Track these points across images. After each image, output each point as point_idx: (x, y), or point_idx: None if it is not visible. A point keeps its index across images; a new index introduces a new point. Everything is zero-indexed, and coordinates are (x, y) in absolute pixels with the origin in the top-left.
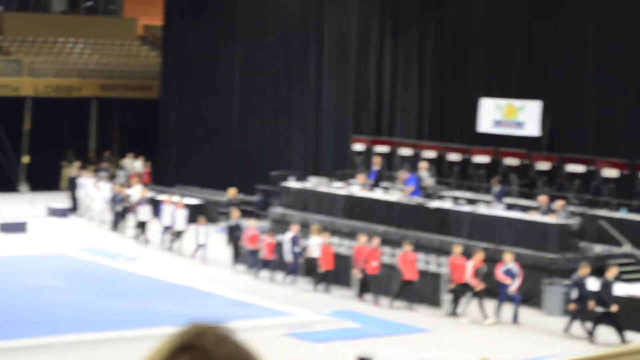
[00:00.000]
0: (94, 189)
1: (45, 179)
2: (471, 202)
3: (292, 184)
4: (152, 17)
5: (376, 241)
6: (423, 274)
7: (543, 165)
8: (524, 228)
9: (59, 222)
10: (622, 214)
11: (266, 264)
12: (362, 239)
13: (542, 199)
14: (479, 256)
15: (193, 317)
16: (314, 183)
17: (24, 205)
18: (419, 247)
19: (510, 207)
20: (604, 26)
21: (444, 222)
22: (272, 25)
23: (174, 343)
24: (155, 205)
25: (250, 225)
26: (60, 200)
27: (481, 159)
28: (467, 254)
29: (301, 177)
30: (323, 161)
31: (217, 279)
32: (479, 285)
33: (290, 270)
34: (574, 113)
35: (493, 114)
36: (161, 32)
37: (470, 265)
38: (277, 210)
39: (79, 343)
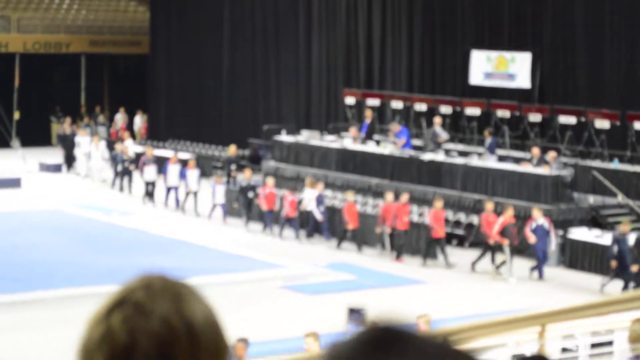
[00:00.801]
0: (93, 148)
1: (36, 134)
2: (463, 154)
3: (284, 137)
4: None
5: (405, 197)
6: (417, 225)
7: (535, 117)
8: (517, 179)
9: (51, 178)
10: (615, 165)
11: (288, 222)
12: (389, 195)
13: (535, 150)
14: (509, 212)
15: (184, 272)
16: (306, 136)
17: (17, 160)
18: (412, 199)
19: (502, 158)
20: None
21: (437, 174)
22: None
23: (112, 299)
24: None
25: (267, 184)
26: (51, 155)
27: (473, 111)
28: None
29: (293, 131)
30: (314, 114)
31: (213, 234)
32: (505, 242)
33: (321, 228)
34: (565, 64)
35: (484, 66)
36: None
37: (499, 222)
38: (269, 163)
39: (72, 297)
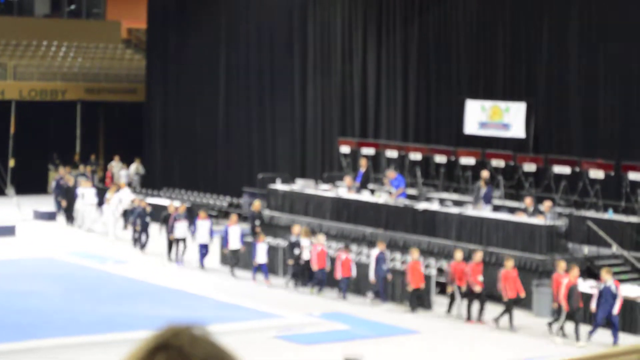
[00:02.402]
0: (106, 203)
1: (31, 182)
2: (458, 203)
3: (279, 186)
4: (136, 20)
5: (479, 255)
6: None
7: (529, 167)
8: (512, 229)
9: (45, 226)
10: (609, 215)
11: (341, 283)
12: (459, 254)
13: (528, 200)
14: (575, 273)
15: (176, 320)
16: (300, 185)
17: (11, 208)
18: (406, 248)
19: (497, 208)
20: (588, 27)
21: (432, 223)
22: (256, 27)
23: (151, 343)
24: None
25: (319, 241)
26: (46, 203)
27: (467, 160)
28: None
29: (288, 180)
30: (309, 163)
31: (210, 283)
32: (567, 308)
33: (376, 290)
34: (559, 114)
35: (479, 116)
36: (145, 35)
37: (564, 283)
38: (264, 212)
39: (67, 346)
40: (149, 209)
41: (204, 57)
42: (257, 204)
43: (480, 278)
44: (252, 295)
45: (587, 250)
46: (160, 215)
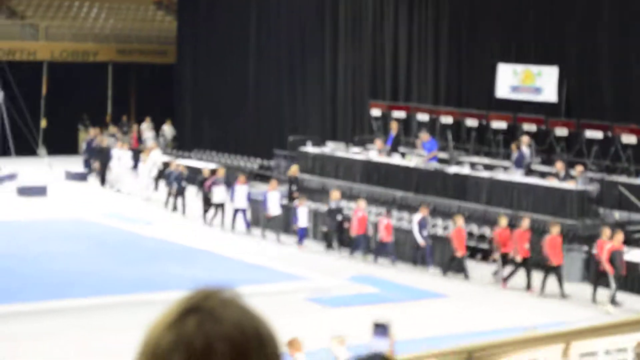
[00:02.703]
0: (141, 163)
1: (62, 143)
2: (489, 167)
3: (310, 148)
4: None
5: (526, 222)
6: (441, 239)
7: (561, 131)
8: (542, 194)
9: (77, 186)
10: None
11: (382, 247)
12: (503, 221)
13: (559, 164)
14: (619, 237)
15: (207, 281)
16: (331, 148)
17: (43, 168)
18: (436, 212)
19: (528, 172)
20: None
21: (462, 187)
22: None
23: (182, 306)
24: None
25: (359, 206)
26: (77, 164)
27: (499, 124)
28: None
29: (318, 142)
30: (340, 126)
31: (237, 245)
32: (612, 271)
33: (422, 254)
34: (591, 79)
35: (510, 80)
36: None
37: (606, 248)
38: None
39: (97, 307)
40: (186, 173)
41: (235, 19)
42: (294, 169)
43: (527, 246)
44: (283, 258)
45: (618, 215)
46: (196, 178)
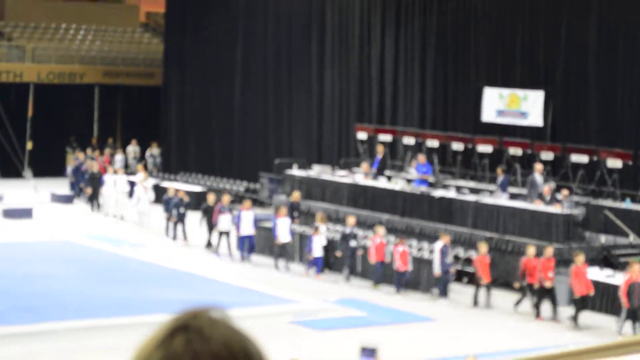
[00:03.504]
0: (141, 190)
1: (48, 165)
2: (475, 191)
3: (296, 172)
4: (154, 4)
5: (549, 251)
6: (427, 262)
7: (547, 155)
8: (528, 218)
9: (62, 208)
10: (627, 204)
11: (399, 276)
12: (531, 250)
13: (546, 189)
14: (636, 269)
15: (194, 303)
16: (317, 171)
17: (28, 191)
18: (422, 235)
19: (514, 196)
20: (607, 15)
21: (448, 211)
22: (274, 11)
23: (170, 325)
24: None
25: (378, 233)
26: (63, 186)
27: (485, 148)
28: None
29: (304, 165)
30: (326, 149)
31: (223, 267)
32: (627, 305)
33: (440, 283)
34: (577, 103)
35: (496, 104)
36: (163, 19)
37: (624, 280)
38: (281, 198)
39: (82, 329)
40: (186, 199)
41: (222, 41)
42: (296, 195)
43: (551, 274)
44: (270, 281)
45: (604, 239)
46: (201, 206)
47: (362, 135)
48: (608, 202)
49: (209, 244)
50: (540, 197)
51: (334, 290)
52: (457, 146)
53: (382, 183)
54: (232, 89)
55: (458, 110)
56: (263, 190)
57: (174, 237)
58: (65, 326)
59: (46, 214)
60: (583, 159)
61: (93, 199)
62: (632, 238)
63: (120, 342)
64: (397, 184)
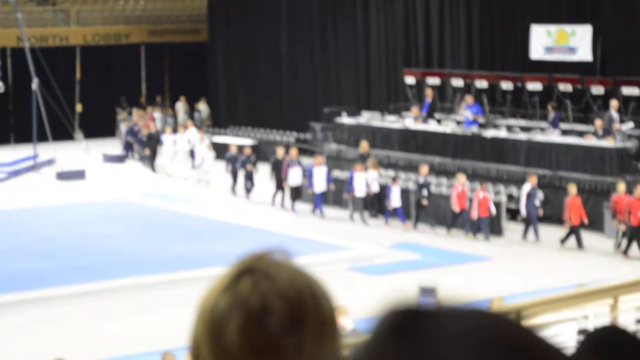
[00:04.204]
0: (204, 149)
1: (99, 126)
2: (526, 129)
3: (345, 119)
4: None
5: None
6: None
7: (597, 90)
8: (581, 153)
9: (115, 168)
10: None
11: (479, 222)
12: (621, 187)
13: (598, 122)
14: None
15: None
16: (366, 118)
17: (80, 152)
18: (475, 176)
19: (565, 132)
20: None
21: (500, 151)
22: None
23: (235, 269)
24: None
25: (459, 181)
26: (114, 146)
27: (534, 86)
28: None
29: (353, 113)
30: (375, 96)
31: (276, 218)
32: None
33: (528, 224)
34: (625, 35)
35: (544, 41)
36: None
37: None
38: (331, 146)
39: (140, 286)
40: (253, 156)
41: None
42: (364, 145)
43: None
44: (323, 230)
45: None
46: (270, 160)
47: (410, 80)
48: None
49: (275, 199)
50: (595, 133)
51: (387, 235)
52: (507, 85)
53: (432, 126)
54: (278, 40)
55: (506, 49)
56: (314, 140)
57: (248, 193)
58: (124, 283)
59: (99, 174)
60: (634, 91)
61: (152, 159)
62: None
63: (181, 296)
64: (448, 127)
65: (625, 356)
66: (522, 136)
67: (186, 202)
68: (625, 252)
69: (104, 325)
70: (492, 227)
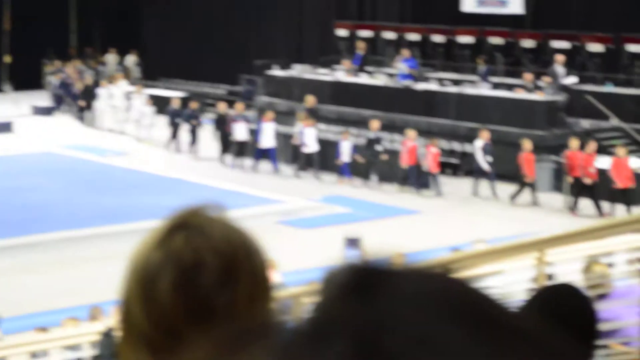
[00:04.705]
0: (141, 102)
1: (27, 77)
2: (457, 82)
3: (277, 72)
4: None
5: (593, 146)
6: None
7: (528, 43)
8: (511, 106)
9: (44, 121)
10: (608, 88)
11: (432, 177)
12: (574, 143)
13: (528, 76)
14: (621, 152)
15: (182, 207)
16: (298, 70)
17: (8, 104)
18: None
19: (496, 86)
20: None
21: (431, 104)
22: None
23: (168, 224)
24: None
25: (409, 136)
26: (43, 99)
27: (465, 39)
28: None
29: (285, 65)
30: (306, 48)
31: (207, 172)
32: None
33: (490, 179)
34: None
35: None
36: None
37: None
38: (262, 99)
39: (70, 239)
40: (198, 110)
41: None
42: (310, 99)
43: (592, 169)
44: (252, 182)
45: (586, 124)
46: (215, 117)
47: (342, 32)
48: (590, 87)
49: (223, 155)
50: (525, 86)
51: (319, 189)
52: (438, 38)
53: (364, 79)
54: None
55: (438, 2)
56: (245, 92)
57: (191, 148)
58: (53, 237)
59: (27, 127)
60: (564, 44)
61: (83, 111)
62: (614, 121)
63: (110, 250)
64: (379, 79)
65: (569, 316)
66: (453, 89)
67: (118, 155)
68: (573, 209)
69: (31, 279)
70: (425, 180)
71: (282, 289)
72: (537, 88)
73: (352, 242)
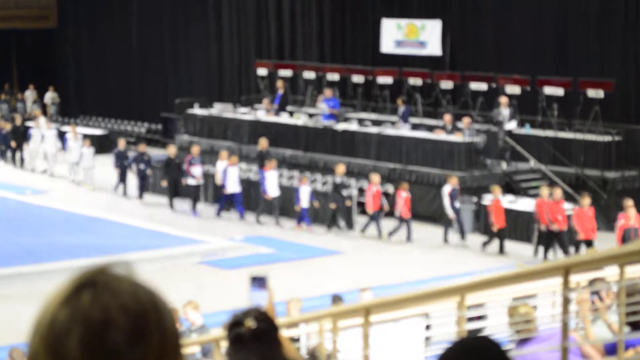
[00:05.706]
0: (80, 144)
1: None
2: (377, 123)
3: (197, 110)
4: None
5: (558, 193)
6: (324, 194)
7: (446, 84)
8: (430, 147)
9: None
10: (526, 130)
11: (404, 223)
12: (545, 191)
13: (447, 117)
14: (631, 213)
15: (102, 248)
16: (219, 109)
17: None
18: (326, 169)
19: (415, 126)
20: None
21: (351, 144)
22: None
23: (75, 282)
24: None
25: (373, 181)
26: None
27: (385, 79)
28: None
29: (205, 104)
30: (227, 87)
31: (126, 210)
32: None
33: (459, 226)
34: (474, 31)
35: (394, 34)
36: None
37: (619, 225)
38: (182, 137)
39: None
40: (148, 155)
41: None
42: (263, 142)
43: (560, 217)
44: (173, 222)
45: (505, 165)
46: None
47: (262, 71)
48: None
49: (172, 202)
50: (444, 128)
51: (240, 229)
52: (358, 78)
53: (284, 119)
54: (128, 29)
55: (357, 42)
56: (165, 130)
57: (140, 196)
58: None
59: None
60: (482, 86)
61: (16, 153)
62: (532, 163)
63: (27, 290)
64: (300, 119)
65: None
66: (373, 130)
67: (34, 193)
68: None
69: None
70: (346, 220)
71: (203, 331)
72: (456, 129)
73: (258, 281)
